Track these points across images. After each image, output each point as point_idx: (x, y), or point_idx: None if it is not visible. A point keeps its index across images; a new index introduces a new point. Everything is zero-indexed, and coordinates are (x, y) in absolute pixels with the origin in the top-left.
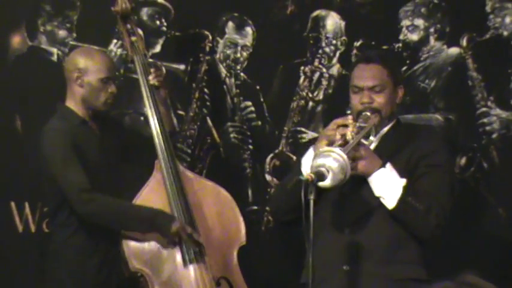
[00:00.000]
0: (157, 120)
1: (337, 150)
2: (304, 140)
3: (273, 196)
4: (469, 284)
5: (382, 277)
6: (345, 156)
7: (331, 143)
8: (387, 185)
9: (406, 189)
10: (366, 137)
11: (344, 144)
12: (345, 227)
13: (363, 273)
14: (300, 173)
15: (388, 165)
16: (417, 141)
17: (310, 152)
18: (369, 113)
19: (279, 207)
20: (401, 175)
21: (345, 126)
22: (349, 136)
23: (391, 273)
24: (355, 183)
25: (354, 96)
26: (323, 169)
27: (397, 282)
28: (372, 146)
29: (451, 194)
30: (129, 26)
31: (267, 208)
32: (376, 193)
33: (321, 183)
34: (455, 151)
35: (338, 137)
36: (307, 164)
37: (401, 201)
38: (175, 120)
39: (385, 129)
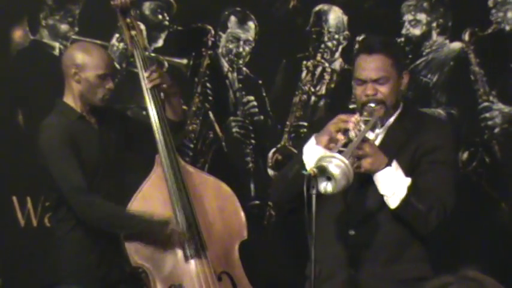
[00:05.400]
0: (158, 114)
1: (339, 156)
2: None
3: (274, 185)
4: (470, 278)
5: (387, 278)
6: (347, 162)
7: (333, 141)
8: (392, 185)
9: (410, 189)
10: (372, 130)
11: (347, 142)
12: (350, 227)
13: (367, 275)
14: (301, 161)
15: (394, 164)
16: (424, 134)
17: (312, 140)
18: (373, 105)
19: (281, 196)
20: (407, 169)
21: (347, 128)
22: (352, 134)
23: (395, 274)
24: (361, 182)
25: (358, 87)
26: (325, 163)
27: (402, 282)
28: (379, 139)
29: (454, 191)
30: (128, 20)
31: (269, 203)
32: (381, 191)
33: (324, 191)
34: (459, 146)
35: (341, 137)
36: (308, 152)
37: (405, 201)
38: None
39: (391, 119)
